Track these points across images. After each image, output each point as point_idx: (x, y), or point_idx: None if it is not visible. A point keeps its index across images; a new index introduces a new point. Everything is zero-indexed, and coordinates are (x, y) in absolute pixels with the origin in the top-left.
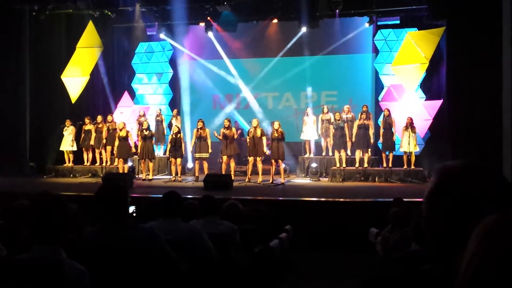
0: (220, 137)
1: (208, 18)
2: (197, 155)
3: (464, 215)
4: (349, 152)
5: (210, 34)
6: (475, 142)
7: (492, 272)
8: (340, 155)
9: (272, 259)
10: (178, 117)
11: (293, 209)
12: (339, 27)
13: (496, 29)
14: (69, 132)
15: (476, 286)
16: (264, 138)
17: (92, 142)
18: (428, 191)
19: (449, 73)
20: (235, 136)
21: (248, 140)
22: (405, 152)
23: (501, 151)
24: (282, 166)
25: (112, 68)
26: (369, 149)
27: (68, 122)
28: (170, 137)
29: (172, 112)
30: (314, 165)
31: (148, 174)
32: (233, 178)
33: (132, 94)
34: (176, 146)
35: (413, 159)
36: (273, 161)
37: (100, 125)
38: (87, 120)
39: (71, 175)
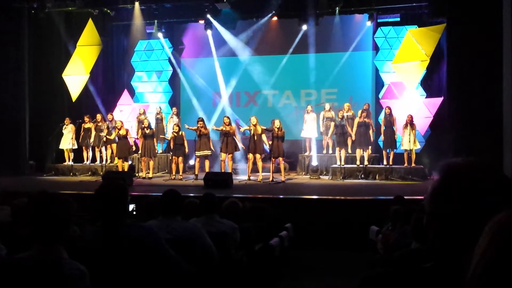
0: (219, 129)
1: (208, 15)
2: (198, 153)
3: (468, 212)
4: (349, 150)
5: (209, 32)
6: (476, 139)
7: (503, 269)
8: (340, 153)
9: (272, 257)
10: (178, 115)
11: (294, 207)
12: (339, 24)
13: (496, 25)
14: (68, 130)
15: (486, 284)
16: (264, 136)
17: (91, 141)
18: (432, 187)
19: (450, 70)
20: (235, 134)
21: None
22: (405, 150)
23: (502, 148)
24: (282, 164)
25: (112, 66)
26: (370, 147)
27: (67, 121)
28: (171, 135)
29: (172, 110)
30: (314, 163)
31: (148, 172)
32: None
33: (132, 92)
34: (178, 144)
35: (413, 157)
36: (273, 159)
37: (99, 124)
38: (86, 119)
39: (71, 174)
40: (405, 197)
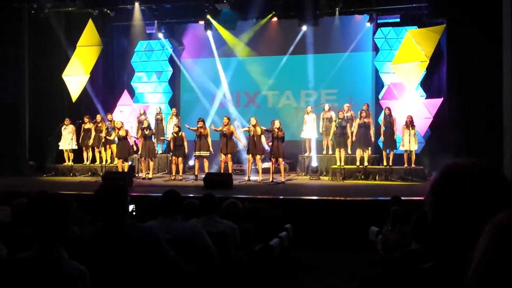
0: (218, 129)
1: (208, 16)
2: (197, 153)
3: (468, 212)
4: (349, 151)
5: (209, 32)
6: (476, 139)
7: (503, 269)
8: (340, 154)
9: (272, 258)
10: (178, 116)
11: (293, 208)
12: (339, 25)
13: (496, 26)
14: (68, 131)
15: (486, 284)
16: (263, 137)
17: (91, 141)
18: (432, 188)
19: (450, 71)
20: (235, 134)
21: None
22: (405, 151)
23: (502, 149)
24: (282, 164)
25: (112, 67)
26: (370, 148)
27: (67, 121)
28: (171, 135)
29: (172, 110)
30: (314, 163)
31: (148, 173)
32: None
33: (132, 93)
34: (178, 145)
35: (413, 157)
36: (273, 159)
37: (99, 124)
38: (86, 119)
39: (71, 174)
40: (405, 198)
